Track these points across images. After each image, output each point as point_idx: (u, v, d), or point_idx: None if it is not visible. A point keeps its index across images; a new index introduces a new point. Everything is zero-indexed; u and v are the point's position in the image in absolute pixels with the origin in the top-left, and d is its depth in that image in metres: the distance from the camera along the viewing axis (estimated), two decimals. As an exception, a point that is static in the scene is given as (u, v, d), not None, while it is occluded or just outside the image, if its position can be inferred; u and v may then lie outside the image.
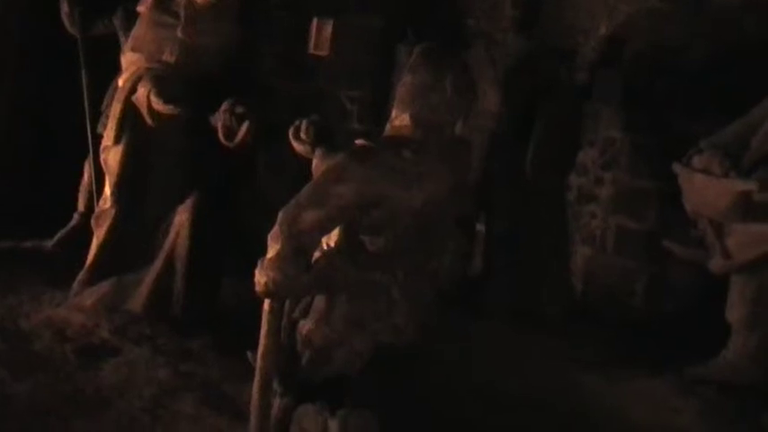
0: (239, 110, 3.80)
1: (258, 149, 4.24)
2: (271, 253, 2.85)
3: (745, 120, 3.98)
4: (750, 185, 3.63)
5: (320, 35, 5.63)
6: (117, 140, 3.95)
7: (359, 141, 3.02)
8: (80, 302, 3.95)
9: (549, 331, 4.56)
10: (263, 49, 5.63)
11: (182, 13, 3.91)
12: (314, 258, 2.97)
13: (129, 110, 3.92)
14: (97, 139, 4.40)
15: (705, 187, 3.84)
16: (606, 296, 5.15)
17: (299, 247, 2.84)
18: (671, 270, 4.94)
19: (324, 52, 5.62)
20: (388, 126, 3.04)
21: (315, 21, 5.62)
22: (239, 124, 3.81)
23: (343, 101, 5.91)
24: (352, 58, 5.67)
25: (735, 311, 4.00)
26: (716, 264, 3.98)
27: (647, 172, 5.00)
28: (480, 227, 5.02)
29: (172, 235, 3.97)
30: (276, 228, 2.83)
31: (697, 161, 3.90)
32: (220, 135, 3.84)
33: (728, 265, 3.94)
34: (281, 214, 2.84)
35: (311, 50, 5.65)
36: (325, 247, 2.99)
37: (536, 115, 4.75)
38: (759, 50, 4.51)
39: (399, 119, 2.99)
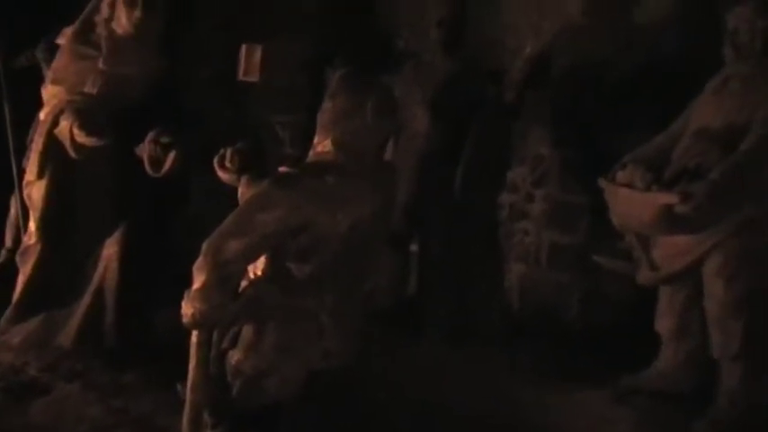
0: (165, 139, 3.78)
1: (190, 177, 4.21)
2: (196, 284, 2.84)
3: (665, 134, 4.05)
4: (672, 198, 3.67)
5: (250, 61, 5.63)
6: (40, 175, 3.90)
7: (282, 168, 3.03)
8: (8, 341, 3.88)
9: (486, 347, 4.59)
10: (193, 75, 5.62)
11: (103, 45, 3.88)
12: (241, 287, 2.96)
13: (52, 143, 3.87)
14: (22, 173, 4.33)
15: (629, 201, 3.88)
16: (542, 311, 5.19)
17: (225, 276, 2.84)
18: (604, 283, 5.00)
19: (254, 78, 5.61)
20: (311, 152, 3.05)
21: (244, 46, 5.61)
22: (165, 154, 3.79)
23: (276, 126, 5.92)
24: (283, 82, 5.69)
25: (664, 322, 4.05)
26: (644, 276, 4.03)
27: (576, 187, 5.05)
28: (414, 247, 5.04)
29: (101, 268, 3.93)
30: (201, 258, 2.82)
31: (621, 176, 3.94)
32: (146, 166, 3.81)
33: (656, 277, 3.99)
34: (205, 244, 2.83)
35: (241, 76, 5.65)
36: (252, 276, 2.99)
37: (465, 135, 4.78)
38: (679, 66, 4.60)
39: (322, 144, 3.00)
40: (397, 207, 4.70)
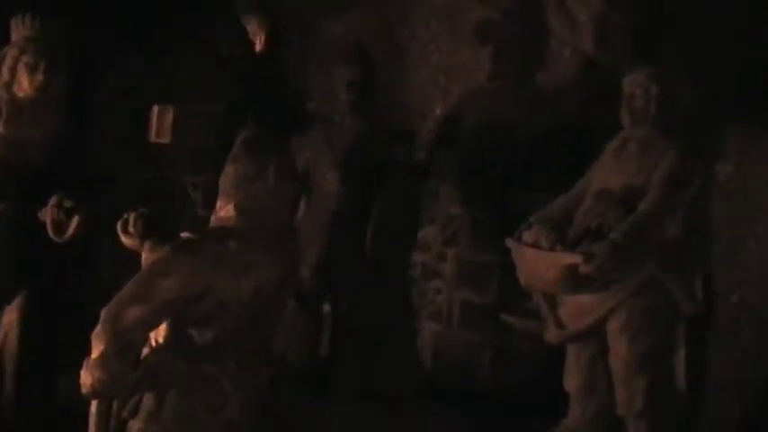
0: (68, 203, 3.72)
1: (98, 240, 4.15)
2: (95, 352, 2.77)
3: (569, 194, 4.15)
4: (575, 258, 3.76)
5: (161, 123, 5.61)
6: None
7: (184, 234, 3.00)
8: None
9: (398, 409, 4.58)
10: (104, 137, 5.57)
11: (3, 108, 3.83)
12: (142, 355, 2.90)
13: (-48, 207, 3.79)
14: None
15: (535, 261, 3.95)
16: (455, 370, 5.22)
17: (125, 344, 2.78)
18: (515, 341, 5.05)
19: (165, 140, 5.59)
20: (213, 217, 3.03)
21: (155, 108, 5.59)
22: (69, 218, 3.74)
23: (187, 187, 5.88)
24: (194, 143, 5.67)
25: (572, 380, 4.11)
26: (551, 334, 4.09)
27: (487, 246, 5.12)
28: (326, 307, 5.03)
29: (0, 336, 3.82)
30: (99, 326, 2.76)
31: (527, 235, 4.02)
32: (49, 230, 3.75)
33: (563, 336, 4.05)
34: (103, 312, 2.78)
35: (152, 138, 5.62)
36: (152, 343, 2.93)
37: (376, 194, 4.82)
38: (582, 128, 4.73)
39: (224, 210, 2.98)
40: (308, 267, 4.72)
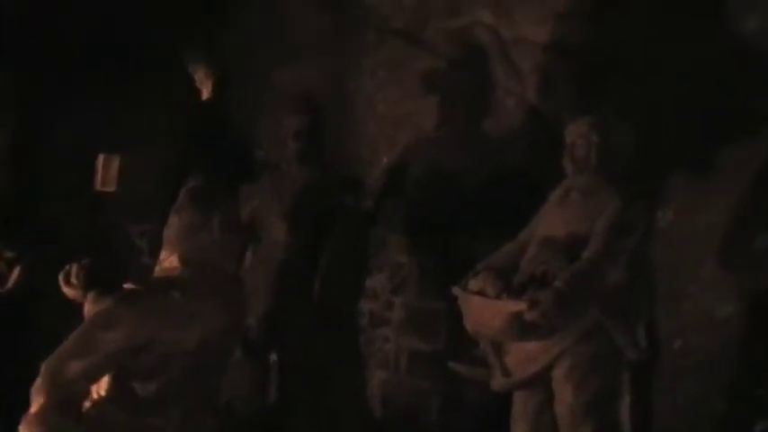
0: (9, 254, 3.69)
1: (42, 292, 4.09)
2: (34, 407, 2.73)
3: (515, 242, 4.18)
4: (520, 306, 3.77)
5: (107, 171, 5.56)
6: None
7: (127, 285, 2.98)
8: None
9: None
10: (50, 186, 5.52)
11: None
12: (84, 408, 2.86)
13: None
14: None
15: (482, 308, 3.96)
16: (403, 418, 5.20)
17: (66, 397, 2.74)
18: (463, 389, 5.05)
19: (111, 188, 5.55)
20: (157, 267, 3.02)
21: (101, 157, 5.55)
22: (10, 269, 3.69)
23: (133, 236, 5.84)
24: (140, 192, 5.63)
25: (519, 428, 4.10)
26: (497, 382, 4.09)
27: (434, 294, 5.14)
28: (274, 356, 4.99)
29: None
30: (39, 380, 2.73)
31: (473, 283, 4.03)
32: (-11, 281, 3.70)
33: (509, 383, 4.05)
34: (43, 365, 2.74)
35: (98, 187, 5.57)
36: (95, 396, 2.90)
37: (324, 243, 4.82)
38: (527, 175, 4.80)
39: (168, 260, 2.97)
40: (255, 316, 4.69)
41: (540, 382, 3.97)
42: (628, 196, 3.92)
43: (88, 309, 3.10)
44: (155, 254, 5.53)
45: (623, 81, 4.61)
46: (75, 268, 3.14)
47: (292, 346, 4.89)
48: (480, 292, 3.97)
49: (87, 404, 2.88)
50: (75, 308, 3.24)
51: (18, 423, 2.90)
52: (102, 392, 2.88)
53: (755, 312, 4.29)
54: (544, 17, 4.76)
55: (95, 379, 2.83)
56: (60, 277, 3.18)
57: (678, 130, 4.50)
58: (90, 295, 3.11)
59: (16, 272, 3.66)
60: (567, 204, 4.02)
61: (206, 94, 4.89)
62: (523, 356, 3.95)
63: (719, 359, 4.36)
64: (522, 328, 3.81)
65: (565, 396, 3.88)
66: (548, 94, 4.85)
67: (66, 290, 3.16)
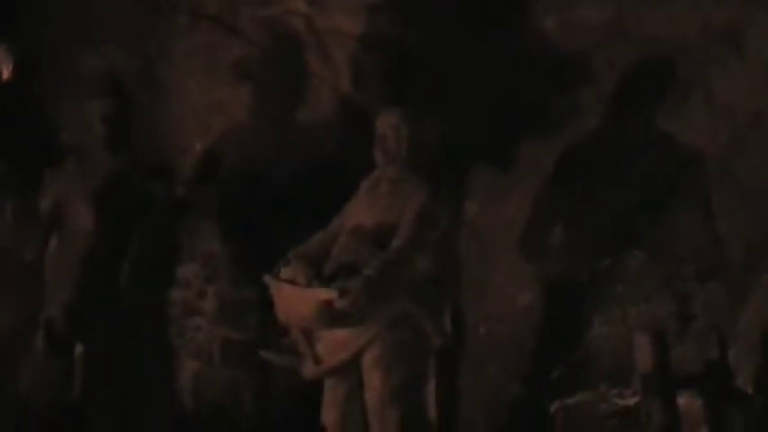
0: None
1: None
2: None
3: (325, 231, 4.21)
4: (331, 294, 3.81)
5: None
6: None
7: None
8: None
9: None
10: None
11: None
12: None
13: None
14: None
15: (292, 297, 3.97)
16: (216, 409, 5.14)
17: None
18: (276, 378, 5.05)
19: None
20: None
21: None
22: None
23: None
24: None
25: (329, 415, 4.13)
26: (308, 370, 4.11)
27: (247, 283, 5.10)
28: (78, 348, 4.81)
29: None
30: None
31: (284, 272, 4.04)
32: None
33: (320, 370, 4.08)
34: None
35: None
36: None
37: (132, 231, 4.69)
38: (340, 165, 4.84)
39: (-43, 249, 2.82)
40: (59, 306, 4.50)
41: (350, 369, 4.02)
42: (434, 187, 4.02)
43: None
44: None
45: (433, 76, 4.72)
46: None
47: (98, 338, 4.72)
48: (291, 281, 3.98)
49: None
50: None
51: None
52: None
53: (551, 301, 4.51)
54: (357, 8, 4.80)
55: None
56: None
57: (483, 126, 4.65)
58: None
59: None
60: (377, 194, 4.08)
61: (6, 74, 4.65)
62: (333, 344, 3.99)
63: (520, 344, 4.55)
64: (331, 316, 3.85)
65: (374, 382, 3.94)
66: (361, 85, 4.91)
67: None
